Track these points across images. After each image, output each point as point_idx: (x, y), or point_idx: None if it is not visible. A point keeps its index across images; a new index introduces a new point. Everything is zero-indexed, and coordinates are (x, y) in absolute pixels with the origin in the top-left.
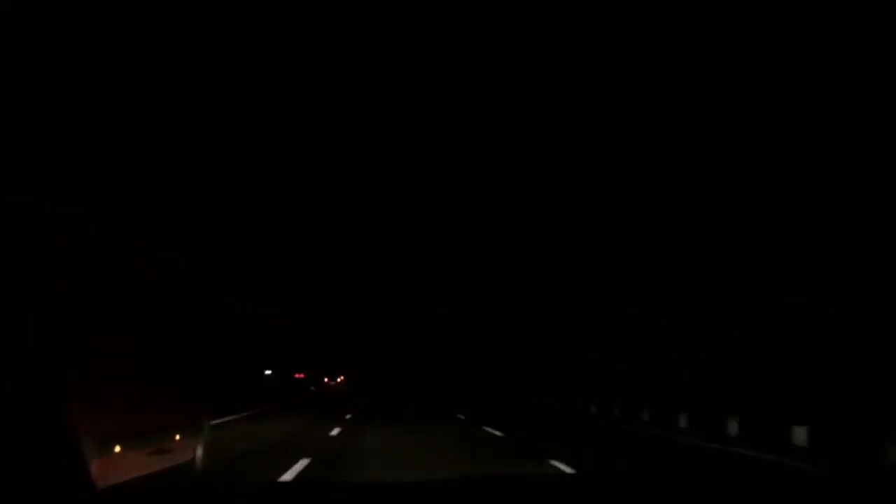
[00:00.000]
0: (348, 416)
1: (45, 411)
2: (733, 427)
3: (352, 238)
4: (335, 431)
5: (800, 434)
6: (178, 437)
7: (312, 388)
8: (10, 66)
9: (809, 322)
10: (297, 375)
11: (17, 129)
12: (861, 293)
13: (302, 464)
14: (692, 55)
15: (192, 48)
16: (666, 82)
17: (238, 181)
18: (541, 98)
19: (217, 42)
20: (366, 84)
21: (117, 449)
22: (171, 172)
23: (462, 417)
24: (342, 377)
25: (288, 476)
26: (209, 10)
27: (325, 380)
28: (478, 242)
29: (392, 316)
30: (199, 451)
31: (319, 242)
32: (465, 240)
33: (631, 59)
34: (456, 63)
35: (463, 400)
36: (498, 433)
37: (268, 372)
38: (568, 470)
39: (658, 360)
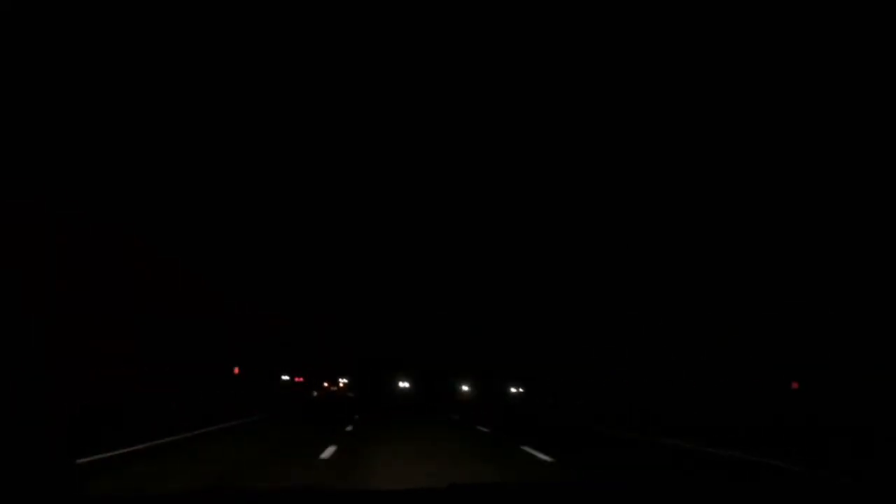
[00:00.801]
0: (349, 428)
1: (42, 412)
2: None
3: (352, 238)
4: (328, 453)
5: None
6: None
7: (315, 392)
8: (10, 66)
9: (809, 322)
10: (297, 379)
11: (17, 129)
12: (861, 293)
13: None
14: (692, 55)
15: (193, 48)
16: (666, 82)
17: (238, 181)
18: (541, 98)
19: (217, 42)
20: (365, 84)
21: None
22: (171, 172)
23: (486, 430)
24: (344, 382)
25: None
26: (209, 10)
27: (326, 384)
28: (478, 243)
29: (392, 316)
30: None
31: (319, 242)
32: (464, 240)
33: (631, 60)
34: (456, 62)
35: (470, 402)
36: (545, 457)
37: (285, 377)
38: None
39: (658, 360)
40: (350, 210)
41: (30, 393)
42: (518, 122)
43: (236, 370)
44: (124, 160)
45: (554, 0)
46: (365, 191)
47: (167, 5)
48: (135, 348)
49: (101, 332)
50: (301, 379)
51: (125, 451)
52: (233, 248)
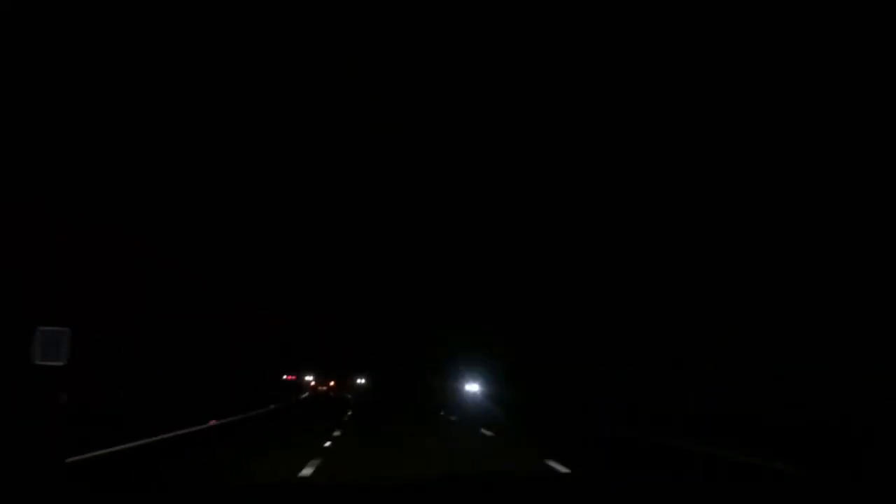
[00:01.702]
0: (337, 434)
1: (36, 412)
2: None
3: (351, 238)
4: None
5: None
6: None
7: (306, 394)
8: (10, 66)
9: (809, 322)
10: (288, 378)
11: (17, 129)
12: (861, 293)
13: None
14: (692, 55)
15: (192, 48)
16: (666, 82)
17: (238, 181)
18: (540, 98)
19: (216, 42)
20: (366, 84)
21: None
22: (171, 172)
23: (489, 434)
24: (333, 381)
25: None
26: (209, 10)
27: (313, 383)
28: (477, 242)
29: (392, 315)
30: None
31: (319, 242)
32: (464, 239)
33: (631, 60)
34: (455, 62)
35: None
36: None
37: (285, 377)
38: None
39: (657, 360)
40: (349, 210)
41: (28, 393)
42: (517, 124)
43: (291, 377)
44: (124, 160)
45: (554, 0)
46: (364, 191)
47: (167, 5)
48: (135, 348)
49: (101, 331)
50: (293, 377)
51: (117, 448)
52: (233, 249)
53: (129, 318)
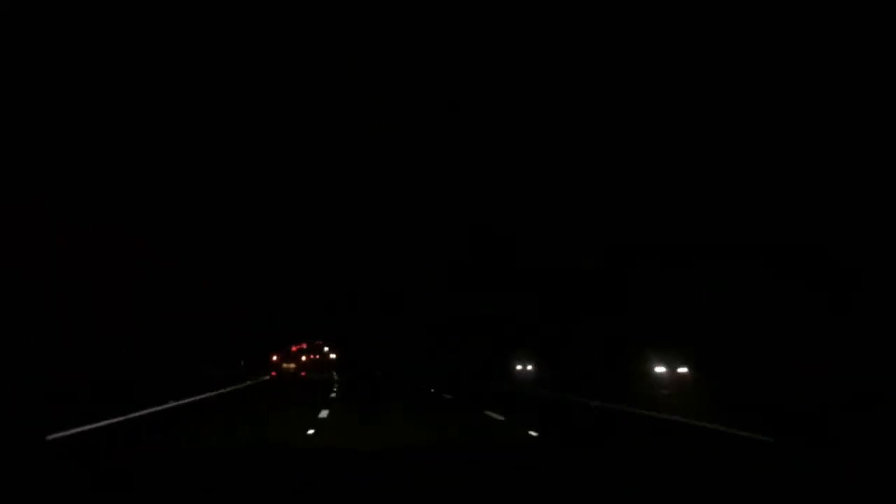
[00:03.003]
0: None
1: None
2: None
3: (351, 238)
4: None
5: None
6: None
7: (273, 373)
8: (10, 66)
9: (811, 322)
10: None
11: (17, 129)
12: (861, 293)
13: None
14: (692, 55)
15: (192, 48)
16: (666, 82)
17: (238, 181)
18: (539, 98)
19: (216, 42)
20: (366, 84)
21: None
22: (171, 172)
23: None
24: (305, 357)
25: None
26: (208, 9)
27: (275, 358)
28: (475, 239)
29: (390, 313)
30: None
31: (319, 241)
32: (463, 238)
33: (630, 59)
34: (455, 62)
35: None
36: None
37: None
38: None
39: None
40: (349, 209)
41: (29, 392)
42: (516, 123)
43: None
44: (124, 160)
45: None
46: (362, 191)
47: (167, 5)
48: (135, 348)
49: (101, 331)
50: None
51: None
52: (233, 248)
53: (129, 318)
